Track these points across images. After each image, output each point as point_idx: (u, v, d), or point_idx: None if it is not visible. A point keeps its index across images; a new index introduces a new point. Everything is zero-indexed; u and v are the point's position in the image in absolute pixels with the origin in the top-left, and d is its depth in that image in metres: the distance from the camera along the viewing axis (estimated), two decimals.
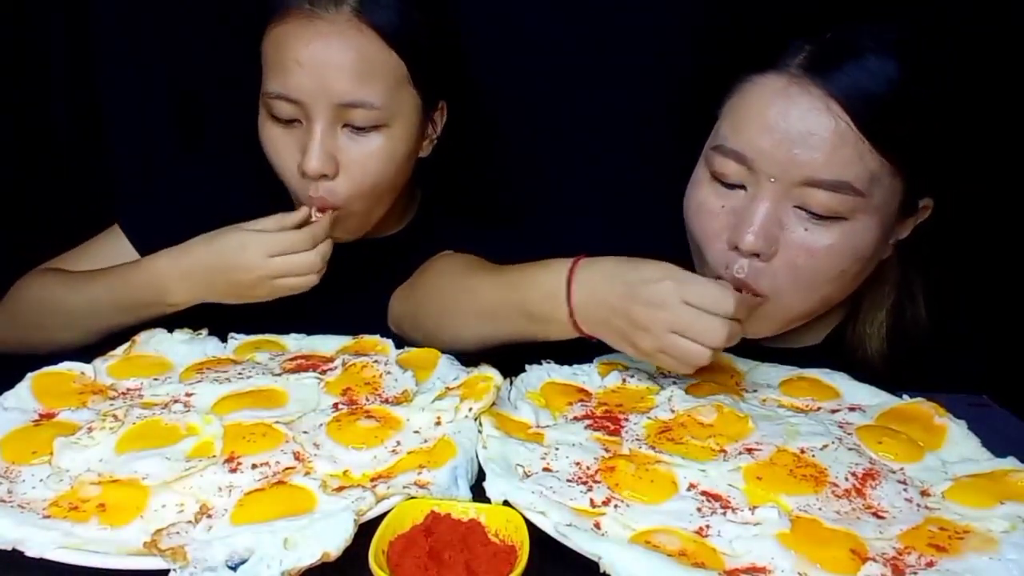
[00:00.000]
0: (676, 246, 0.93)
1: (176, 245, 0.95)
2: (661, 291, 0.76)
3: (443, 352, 0.89)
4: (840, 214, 0.82)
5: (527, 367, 0.89)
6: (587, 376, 0.89)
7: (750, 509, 0.66)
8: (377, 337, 0.94)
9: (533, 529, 0.62)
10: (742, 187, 0.86)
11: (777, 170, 0.82)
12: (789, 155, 0.81)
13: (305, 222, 0.95)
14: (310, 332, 0.97)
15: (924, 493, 0.70)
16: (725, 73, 0.88)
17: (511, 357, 0.89)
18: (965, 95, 0.93)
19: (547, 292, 0.82)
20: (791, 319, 0.90)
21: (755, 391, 0.88)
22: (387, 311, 1.03)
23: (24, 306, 1.03)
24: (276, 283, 0.93)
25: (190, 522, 0.62)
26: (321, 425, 0.75)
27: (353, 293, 1.03)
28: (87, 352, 0.89)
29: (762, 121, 0.82)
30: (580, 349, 0.88)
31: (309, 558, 0.58)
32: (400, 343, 0.93)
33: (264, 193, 1.02)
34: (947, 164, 0.87)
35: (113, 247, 1.07)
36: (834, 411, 0.83)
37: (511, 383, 0.86)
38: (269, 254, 0.92)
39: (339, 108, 0.92)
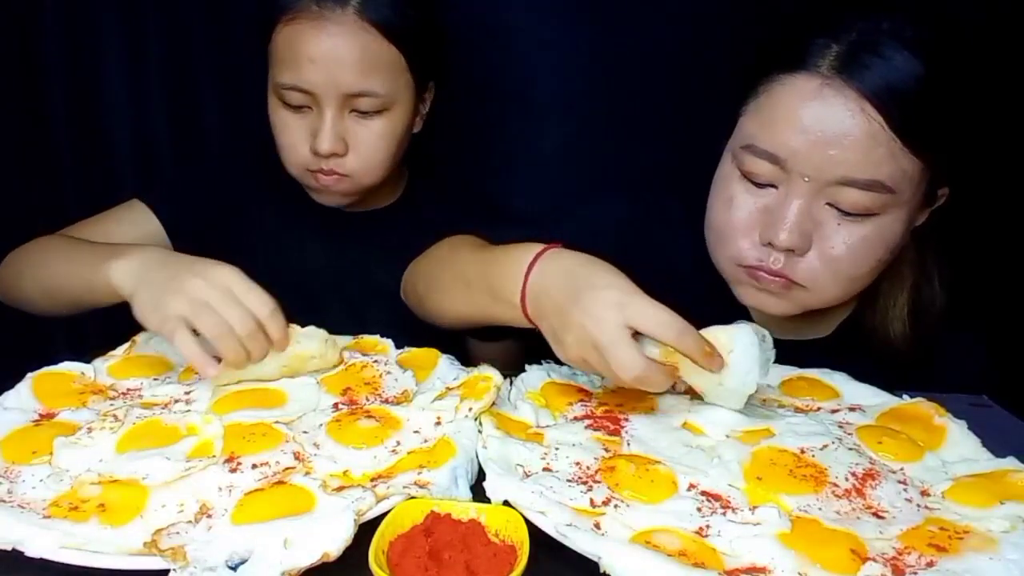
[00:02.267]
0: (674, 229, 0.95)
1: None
2: (603, 299, 0.72)
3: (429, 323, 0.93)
4: (872, 211, 0.84)
5: (527, 367, 0.89)
6: (587, 376, 0.89)
7: (750, 509, 0.66)
8: (377, 337, 0.94)
9: (533, 529, 0.62)
10: (773, 186, 0.86)
11: (811, 170, 0.83)
12: (824, 156, 0.82)
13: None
14: (307, 299, 1.02)
15: (924, 493, 0.70)
16: (747, 71, 0.88)
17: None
18: (984, 87, 0.93)
19: (509, 272, 0.81)
20: (821, 305, 0.91)
21: (755, 391, 0.88)
22: (378, 278, 1.12)
23: (19, 260, 1.05)
24: (169, 326, 0.78)
25: (190, 522, 0.62)
26: (321, 425, 0.75)
27: (349, 259, 1.17)
28: (86, 351, 0.89)
29: (796, 123, 0.83)
30: None
31: (309, 558, 0.58)
32: (400, 343, 0.93)
33: (267, 168, 1.13)
34: (968, 156, 0.88)
35: (129, 218, 1.12)
36: (834, 411, 0.83)
37: (511, 383, 0.86)
38: (205, 299, 0.78)
39: (347, 97, 1.02)
